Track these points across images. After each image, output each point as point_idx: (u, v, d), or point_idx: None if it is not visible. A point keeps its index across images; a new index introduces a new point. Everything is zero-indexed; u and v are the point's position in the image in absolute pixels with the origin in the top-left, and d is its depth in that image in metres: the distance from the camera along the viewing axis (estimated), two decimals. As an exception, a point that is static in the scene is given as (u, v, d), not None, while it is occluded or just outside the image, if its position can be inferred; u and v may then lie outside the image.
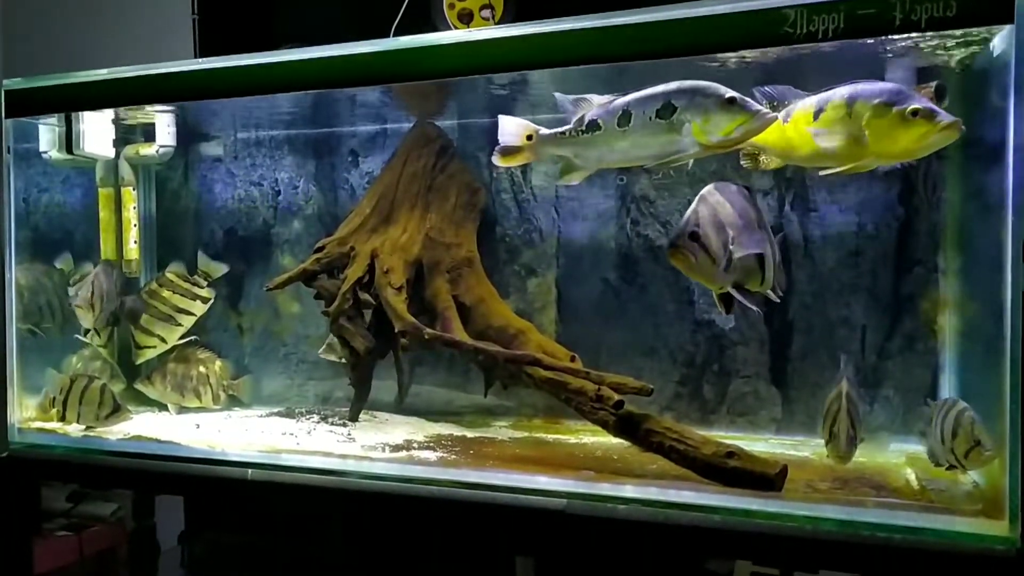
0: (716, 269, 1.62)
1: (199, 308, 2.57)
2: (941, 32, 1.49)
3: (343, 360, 2.34)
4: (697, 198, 1.67)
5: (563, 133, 1.82)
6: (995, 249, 1.50)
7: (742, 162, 1.86)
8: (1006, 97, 1.46)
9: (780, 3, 1.54)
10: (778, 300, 1.80)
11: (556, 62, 1.77)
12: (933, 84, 1.70)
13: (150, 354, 2.56)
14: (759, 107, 1.64)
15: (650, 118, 1.70)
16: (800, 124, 1.64)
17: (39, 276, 2.57)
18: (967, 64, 1.72)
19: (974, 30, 1.51)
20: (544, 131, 1.85)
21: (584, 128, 1.79)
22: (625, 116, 1.73)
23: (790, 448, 2.03)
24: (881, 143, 1.55)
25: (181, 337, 2.56)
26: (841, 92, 1.59)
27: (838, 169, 1.62)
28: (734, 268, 1.63)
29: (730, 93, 1.64)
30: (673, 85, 1.69)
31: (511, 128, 1.88)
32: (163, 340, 2.55)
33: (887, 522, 1.50)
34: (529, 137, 1.86)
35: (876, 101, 1.54)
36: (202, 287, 2.58)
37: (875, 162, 1.61)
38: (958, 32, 1.52)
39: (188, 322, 2.56)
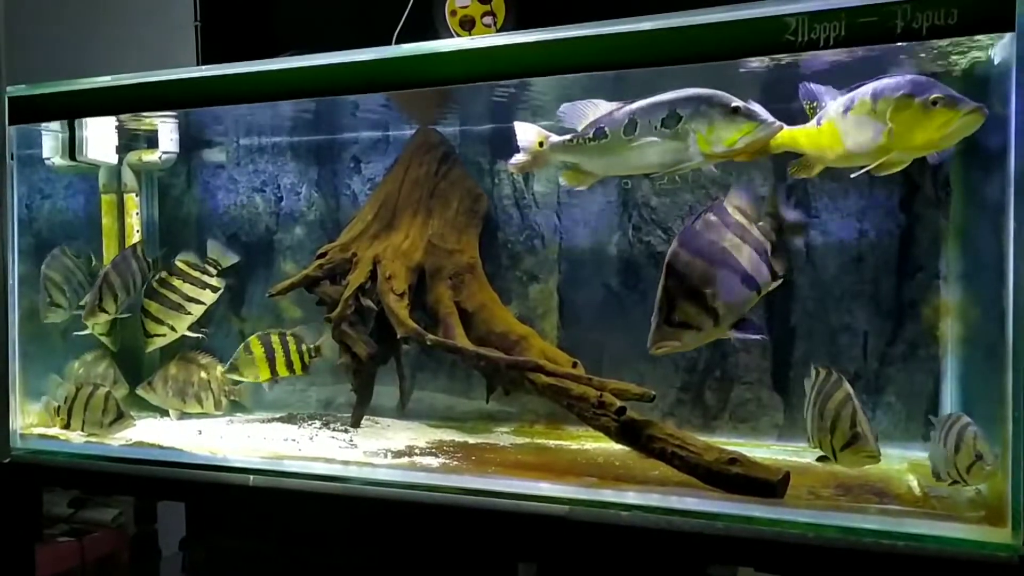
0: (707, 332, 1.59)
1: (209, 297, 2.57)
2: (942, 40, 1.49)
3: (250, 380, 2.42)
4: (664, 268, 1.61)
5: (572, 140, 1.83)
6: (997, 256, 1.50)
7: (790, 171, 1.76)
8: (1007, 104, 1.46)
9: (782, 11, 1.54)
10: (781, 280, 1.73)
11: (558, 69, 1.77)
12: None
13: (160, 342, 2.56)
14: (765, 116, 1.63)
15: (655, 127, 1.70)
16: (831, 124, 1.61)
17: (65, 263, 2.59)
18: (968, 70, 1.72)
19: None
20: (555, 138, 1.86)
21: (592, 136, 1.80)
22: (631, 124, 1.74)
23: (792, 455, 2.03)
24: (905, 136, 1.52)
25: (190, 327, 2.56)
26: (866, 89, 1.56)
27: (868, 167, 1.58)
28: (725, 317, 1.59)
29: (735, 102, 1.63)
30: (679, 93, 1.69)
31: (526, 134, 1.89)
32: (173, 329, 2.54)
33: (889, 529, 1.50)
34: (541, 143, 1.87)
35: (898, 94, 1.51)
36: (212, 276, 2.58)
37: (906, 157, 1.57)
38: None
39: (198, 311, 2.56)
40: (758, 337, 1.69)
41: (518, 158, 1.91)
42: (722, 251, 1.61)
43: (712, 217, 1.65)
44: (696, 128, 1.65)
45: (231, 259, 2.60)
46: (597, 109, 1.79)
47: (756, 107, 1.67)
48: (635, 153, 1.74)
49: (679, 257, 1.61)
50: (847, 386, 1.73)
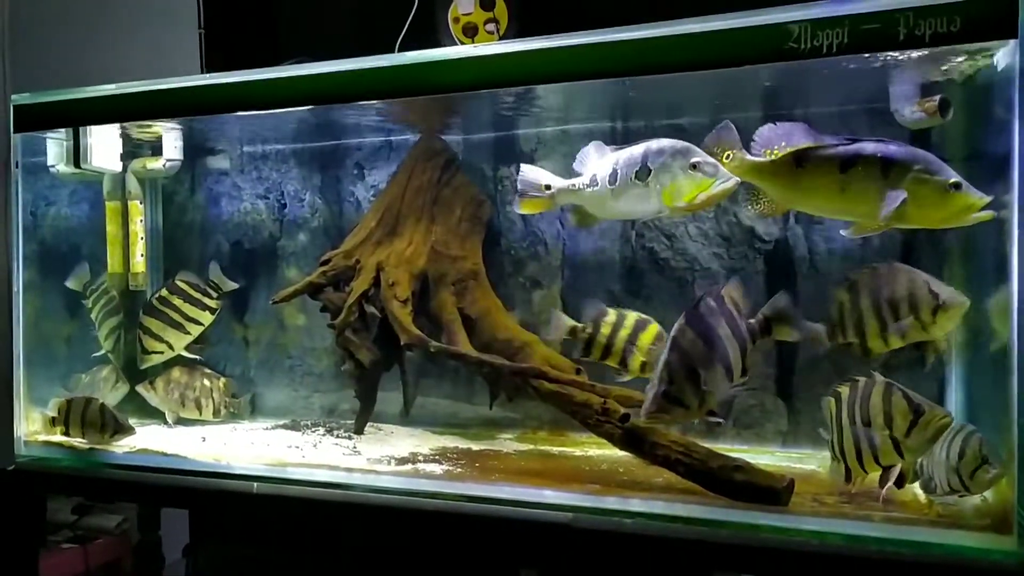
0: (692, 412, 1.60)
1: (207, 318, 2.60)
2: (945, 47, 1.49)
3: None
4: (668, 341, 1.61)
5: (573, 186, 1.89)
6: (1001, 261, 1.50)
7: (748, 209, 1.81)
8: (1010, 109, 1.46)
9: (784, 19, 1.54)
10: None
11: (560, 77, 1.78)
12: (937, 97, 1.70)
13: (157, 359, 2.59)
14: (721, 172, 1.66)
15: (630, 178, 1.76)
16: (824, 172, 1.61)
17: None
18: (971, 76, 1.72)
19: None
20: (559, 183, 1.92)
21: (587, 183, 1.86)
22: (614, 174, 1.80)
23: (797, 461, 2.02)
24: (919, 211, 1.55)
25: (187, 347, 2.58)
26: (870, 148, 1.58)
27: (861, 224, 1.63)
28: (708, 402, 1.59)
29: (696, 157, 1.68)
30: (651, 145, 1.75)
31: (531, 178, 1.94)
32: (171, 347, 2.58)
33: (895, 537, 1.49)
34: (548, 187, 1.93)
35: (917, 167, 1.54)
36: (212, 298, 2.60)
37: (901, 223, 1.60)
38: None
39: (196, 331, 2.59)
40: (720, 420, 1.67)
41: (525, 200, 1.95)
42: (718, 338, 1.61)
43: (712, 303, 1.63)
44: (661, 183, 1.72)
45: (231, 285, 2.62)
46: (600, 154, 1.85)
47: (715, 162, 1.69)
48: (619, 202, 1.81)
49: (685, 335, 1.60)
50: (880, 377, 1.66)
